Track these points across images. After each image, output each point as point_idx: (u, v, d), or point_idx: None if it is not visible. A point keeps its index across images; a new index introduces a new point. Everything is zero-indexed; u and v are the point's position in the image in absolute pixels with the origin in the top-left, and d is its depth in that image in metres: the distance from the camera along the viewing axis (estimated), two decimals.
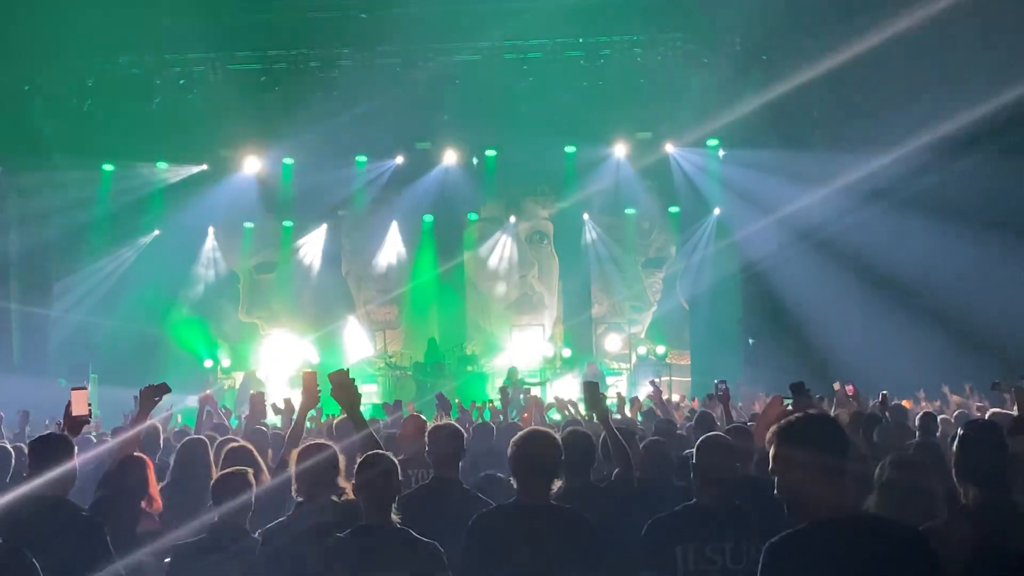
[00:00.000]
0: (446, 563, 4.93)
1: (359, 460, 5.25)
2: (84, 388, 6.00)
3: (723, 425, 9.11)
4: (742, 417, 11.21)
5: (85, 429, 7.33)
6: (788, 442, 3.87)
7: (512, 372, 21.20)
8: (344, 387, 6.01)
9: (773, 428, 3.95)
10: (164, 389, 6.68)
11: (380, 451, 5.49)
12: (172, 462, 7.41)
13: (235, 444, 6.65)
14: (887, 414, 9.97)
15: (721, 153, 22.11)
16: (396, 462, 5.21)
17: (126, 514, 6.18)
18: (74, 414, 5.88)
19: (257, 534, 5.57)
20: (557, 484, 5.18)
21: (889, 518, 3.92)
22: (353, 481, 5.16)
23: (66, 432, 5.90)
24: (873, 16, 16.69)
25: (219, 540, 5.46)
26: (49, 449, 5.58)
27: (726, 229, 22.96)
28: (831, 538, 3.70)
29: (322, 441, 6.02)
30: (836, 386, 13.72)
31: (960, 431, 4.58)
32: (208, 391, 12.78)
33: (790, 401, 7.41)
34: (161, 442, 9.00)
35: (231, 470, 5.71)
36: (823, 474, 3.77)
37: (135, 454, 6.91)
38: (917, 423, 9.55)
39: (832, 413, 8.83)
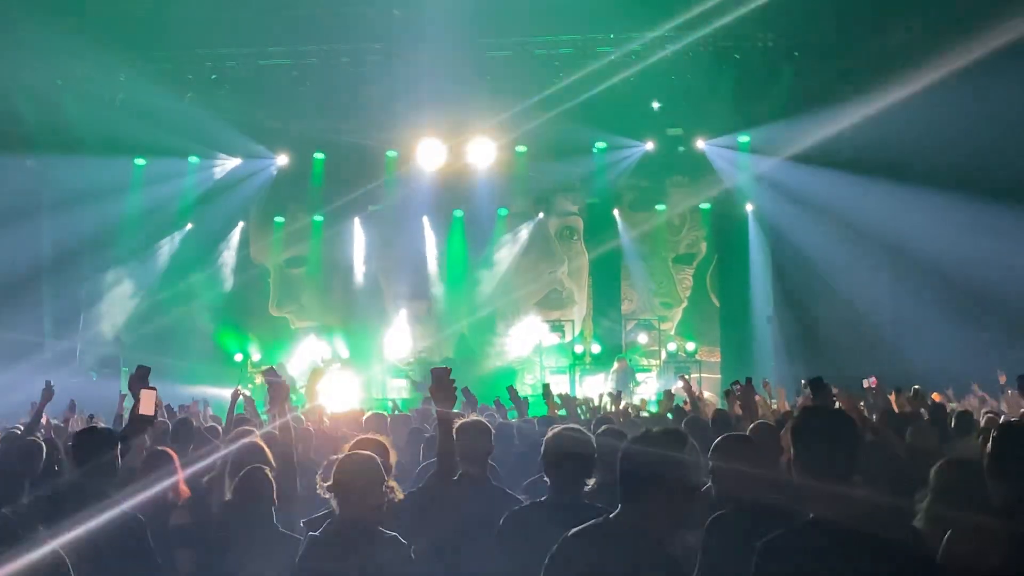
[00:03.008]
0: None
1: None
2: (154, 389, 5.96)
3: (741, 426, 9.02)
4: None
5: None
6: (794, 439, 3.87)
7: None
8: (445, 383, 5.82)
9: (788, 424, 3.94)
10: (145, 371, 6.61)
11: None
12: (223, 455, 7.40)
13: (246, 442, 6.64)
14: (922, 411, 9.89)
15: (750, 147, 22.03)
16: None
17: (157, 508, 6.20)
18: (140, 411, 5.87)
19: (301, 524, 5.59)
20: (591, 481, 5.13)
21: (888, 521, 3.88)
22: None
23: (125, 429, 5.92)
24: (904, 14, 16.66)
25: (241, 532, 5.47)
26: (93, 443, 5.62)
27: (757, 225, 22.87)
28: (822, 541, 3.70)
29: (373, 437, 6.00)
30: (865, 383, 13.64)
31: (994, 431, 4.53)
32: (238, 387, 12.81)
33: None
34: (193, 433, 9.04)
35: (255, 467, 5.71)
36: (824, 474, 3.77)
37: (160, 448, 6.94)
38: (953, 422, 9.47)
39: (865, 411, 8.72)
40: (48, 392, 10.26)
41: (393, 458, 5.80)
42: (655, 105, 21.59)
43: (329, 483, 5.06)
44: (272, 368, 6.87)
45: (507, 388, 11.52)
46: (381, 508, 4.99)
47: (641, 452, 4.10)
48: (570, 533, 4.14)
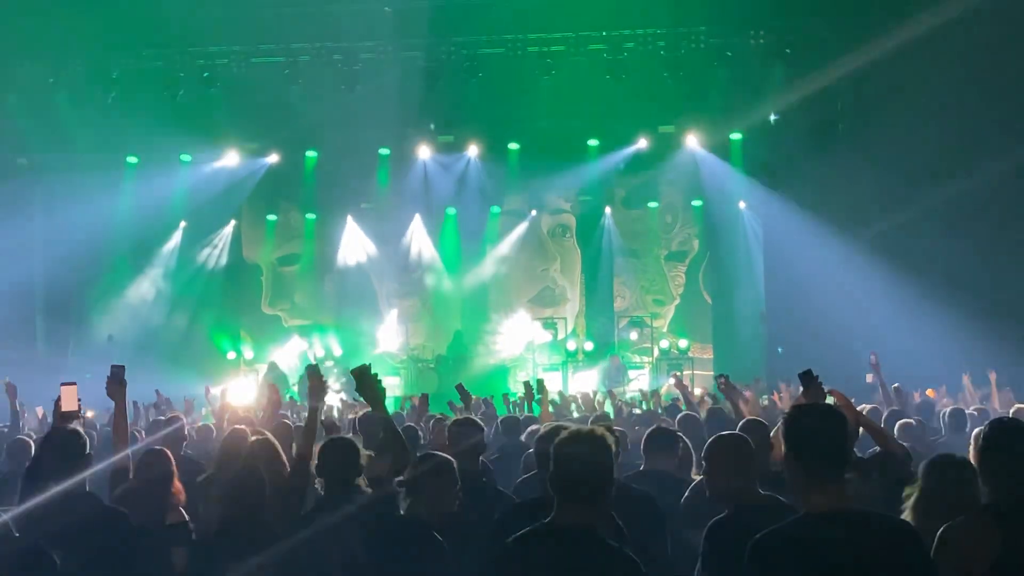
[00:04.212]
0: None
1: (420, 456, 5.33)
2: (74, 384, 5.95)
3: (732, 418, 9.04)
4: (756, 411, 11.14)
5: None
6: (786, 436, 3.88)
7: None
8: (366, 382, 5.85)
9: (781, 421, 3.95)
10: (119, 371, 6.56)
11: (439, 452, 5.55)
12: (217, 454, 7.40)
13: (257, 438, 6.61)
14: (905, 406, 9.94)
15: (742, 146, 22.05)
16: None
17: (153, 507, 6.19)
18: (63, 409, 5.85)
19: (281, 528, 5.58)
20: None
21: (881, 512, 3.90)
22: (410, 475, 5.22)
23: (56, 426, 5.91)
24: (897, 14, 16.67)
25: (235, 537, 5.45)
26: (63, 442, 5.59)
27: (749, 222, 22.89)
28: (816, 533, 3.71)
29: (346, 435, 6.01)
30: (869, 377, 13.63)
31: (985, 429, 4.54)
32: (206, 385, 12.78)
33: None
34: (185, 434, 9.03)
35: (247, 467, 5.70)
36: (817, 470, 3.78)
37: (156, 447, 6.93)
38: (945, 419, 9.49)
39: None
40: (11, 388, 10.28)
41: (364, 459, 5.79)
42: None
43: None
44: (315, 366, 6.83)
45: (524, 383, 11.56)
46: None
47: (571, 453, 4.06)
48: (512, 539, 4.11)
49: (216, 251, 25.06)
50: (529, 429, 8.99)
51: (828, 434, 3.84)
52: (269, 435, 6.66)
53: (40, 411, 12.20)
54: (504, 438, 9.43)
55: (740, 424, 6.71)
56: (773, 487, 5.24)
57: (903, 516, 4.94)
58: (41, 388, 10.52)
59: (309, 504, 5.96)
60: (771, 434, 6.49)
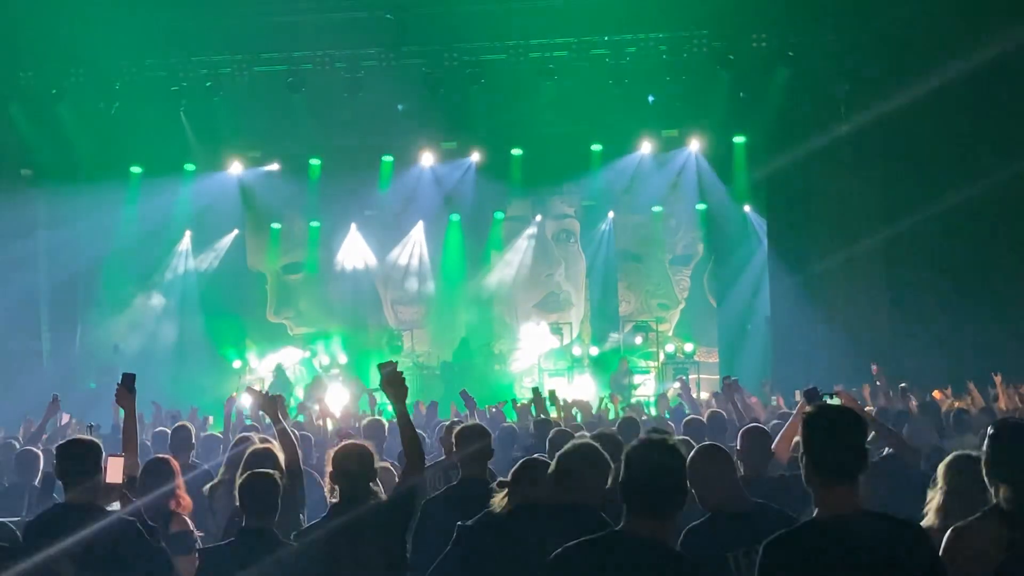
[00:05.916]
0: None
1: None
2: (121, 456, 5.91)
3: (735, 421, 9.05)
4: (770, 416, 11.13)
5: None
6: (805, 438, 3.87)
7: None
8: (393, 380, 5.72)
9: (800, 422, 3.95)
10: (130, 379, 6.56)
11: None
12: (224, 462, 7.42)
13: (257, 447, 6.62)
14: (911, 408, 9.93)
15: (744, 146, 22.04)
16: None
17: (156, 515, 6.18)
18: (107, 481, 5.80)
19: (292, 536, 5.58)
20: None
21: (892, 515, 3.89)
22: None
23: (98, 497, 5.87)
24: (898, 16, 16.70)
25: (246, 544, 5.44)
26: (77, 454, 5.57)
27: (754, 226, 22.87)
28: (829, 536, 3.71)
29: (360, 441, 6.00)
30: (874, 369, 13.60)
31: (991, 429, 4.52)
32: (233, 394, 12.78)
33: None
34: (194, 441, 9.03)
35: (260, 472, 5.68)
36: (835, 471, 3.77)
37: (160, 455, 6.94)
38: (951, 420, 9.48)
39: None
40: (54, 406, 10.25)
41: (378, 463, 5.78)
42: (650, 99, 21.29)
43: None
44: (250, 387, 6.97)
45: (532, 389, 11.56)
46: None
47: (647, 463, 4.01)
48: (574, 543, 4.06)
49: (220, 260, 25.05)
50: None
51: (844, 436, 3.83)
52: (273, 442, 6.68)
53: (30, 422, 12.20)
54: (532, 440, 9.34)
55: (741, 430, 6.71)
56: (775, 491, 5.26)
57: (927, 518, 4.94)
58: (45, 399, 10.51)
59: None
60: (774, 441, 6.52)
